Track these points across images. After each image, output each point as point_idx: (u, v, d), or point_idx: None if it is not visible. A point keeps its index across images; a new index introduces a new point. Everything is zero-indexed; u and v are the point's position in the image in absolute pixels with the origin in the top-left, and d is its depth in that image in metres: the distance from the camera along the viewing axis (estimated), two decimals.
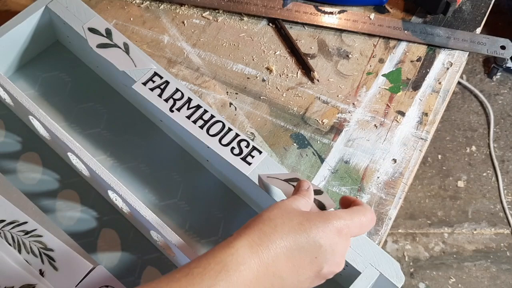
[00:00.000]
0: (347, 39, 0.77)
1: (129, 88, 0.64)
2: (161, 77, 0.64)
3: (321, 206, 0.52)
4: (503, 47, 0.77)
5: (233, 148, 0.60)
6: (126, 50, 0.65)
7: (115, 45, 0.66)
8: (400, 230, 1.52)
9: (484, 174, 1.61)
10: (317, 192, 0.52)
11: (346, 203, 0.53)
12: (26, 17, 0.67)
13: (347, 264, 0.55)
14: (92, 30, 0.66)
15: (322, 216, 0.47)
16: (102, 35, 0.66)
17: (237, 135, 0.61)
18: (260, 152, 0.60)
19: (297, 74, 0.74)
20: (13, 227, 0.59)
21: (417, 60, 0.75)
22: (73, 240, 0.60)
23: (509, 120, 1.69)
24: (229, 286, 0.41)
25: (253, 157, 0.59)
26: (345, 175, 0.67)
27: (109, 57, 0.65)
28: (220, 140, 0.60)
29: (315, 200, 0.51)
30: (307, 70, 0.74)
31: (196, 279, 0.41)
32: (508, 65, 1.71)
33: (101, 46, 0.66)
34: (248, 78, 0.73)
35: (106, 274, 0.57)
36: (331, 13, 0.78)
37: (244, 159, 0.59)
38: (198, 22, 0.77)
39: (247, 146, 0.60)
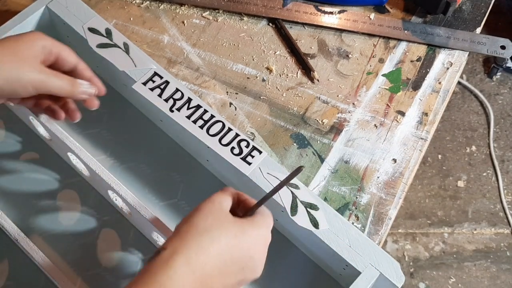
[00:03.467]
0: (347, 39, 0.77)
1: (129, 88, 0.64)
2: (161, 77, 0.64)
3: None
4: (503, 47, 0.77)
5: (233, 148, 0.60)
6: (126, 50, 0.65)
7: (115, 45, 0.66)
8: (400, 230, 1.52)
9: (484, 174, 1.61)
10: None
11: (244, 205, 0.51)
12: (26, 17, 0.67)
13: (346, 264, 0.55)
14: (92, 30, 0.66)
15: (253, 225, 0.47)
16: (102, 35, 0.66)
17: (237, 135, 0.61)
18: (260, 152, 0.60)
19: (297, 74, 0.74)
20: None
21: (417, 60, 0.75)
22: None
23: (509, 120, 1.69)
24: None
25: (253, 157, 0.59)
26: (345, 175, 0.67)
27: (109, 57, 0.65)
28: (220, 140, 0.60)
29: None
30: (307, 70, 0.74)
31: None
32: (508, 65, 1.71)
33: (101, 46, 0.66)
34: (248, 78, 0.73)
35: None
36: (331, 13, 0.78)
37: (244, 159, 0.59)
38: (198, 22, 0.77)
39: (247, 146, 0.60)
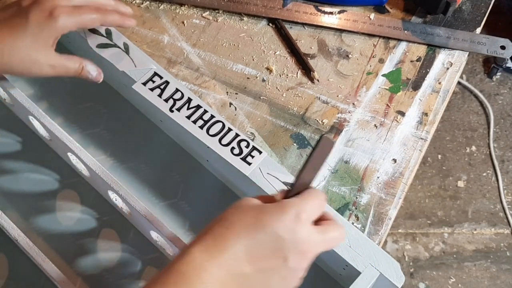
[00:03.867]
0: (347, 39, 0.77)
1: (129, 88, 0.64)
2: (161, 77, 0.64)
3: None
4: (503, 47, 0.77)
5: (233, 148, 0.60)
6: (126, 50, 0.66)
7: (115, 45, 0.66)
8: (400, 230, 1.52)
9: (484, 174, 1.61)
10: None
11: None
12: None
13: (346, 264, 0.55)
14: (92, 30, 0.66)
15: (276, 206, 0.45)
16: (102, 35, 0.66)
17: (237, 135, 0.61)
18: (260, 152, 0.60)
19: (297, 74, 0.74)
20: None
21: (417, 60, 0.75)
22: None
23: (509, 120, 1.69)
24: None
25: (253, 157, 0.59)
26: (345, 175, 0.67)
27: (109, 57, 0.65)
28: (220, 140, 0.60)
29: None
30: (307, 70, 0.74)
31: None
32: (508, 65, 1.72)
33: (101, 46, 0.66)
34: (248, 78, 0.73)
35: None
36: (331, 13, 0.78)
37: (244, 159, 0.59)
38: (198, 22, 0.77)
39: (247, 146, 0.60)
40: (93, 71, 0.61)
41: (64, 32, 0.58)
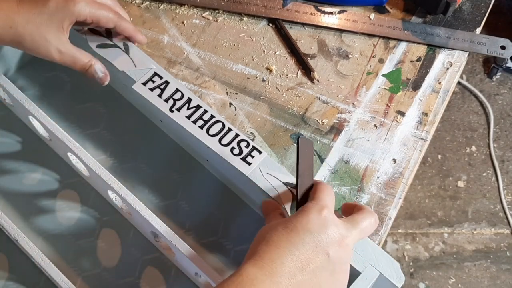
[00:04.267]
0: (347, 39, 0.77)
1: (129, 88, 0.64)
2: (161, 77, 0.64)
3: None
4: (503, 47, 0.77)
5: (233, 148, 0.60)
6: (126, 50, 0.66)
7: (115, 45, 0.66)
8: (400, 230, 1.52)
9: (484, 174, 1.61)
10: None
11: (348, 210, 0.54)
12: None
13: None
14: (92, 30, 0.66)
15: (298, 212, 0.48)
16: (102, 35, 0.66)
17: (237, 135, 0.61)
18: (260, 152, 0.60)
19: (297, 74, 0.74)
20: None
21: (417, 60, 0.75)
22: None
23: (509, 120, 1.69)
24: None
25: (253, 157, 0.59)
26: (345, 175, 0.67)
27: (109, 57, 0.65)
28: (220, 140, 0.60)
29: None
30: (307, 70, 0.74)
31: None
32: (508, 65, 1.72)
33: (101, 46, 0.66)
34: (248, 78, 0.73)
35: None
36: (331, 13, 0.78)
37: (244, 159, 0.59)
38: (198, 22, 0.77)
39: (247, 146, 0.60)
40: (100, 72, 0.62)
41: (80, 19, 0.58)
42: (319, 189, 0.51)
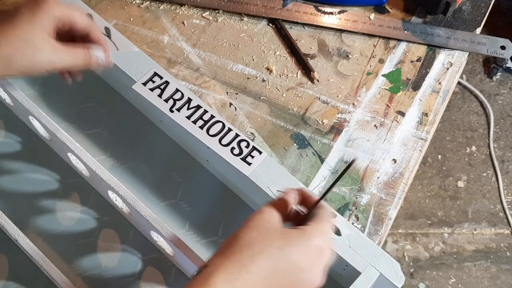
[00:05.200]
0: (347, 39, 0.77)
1: (129, 88, 0.64)
2: (161, 77, 0.64)
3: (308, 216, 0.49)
4: (503, 47, 0.77)
5: (233, 148, 0.60)
6: (108, 34, 0.66)
7: None
8: (400, 230, 1.52)
9: (484, 174, 1.61)
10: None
11: (305, 202, 0.50)
12: None
13: (346, 264, 0.55)
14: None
15: (302, 235, 0.45)
16: None
17: (237, 135, 0.61)
18: (260, 152, 0.60)
19: (297, 74, 0.74)
20: None
21: (417, 60, 0.75)
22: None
23: (509, 120, 1.69)
24: None
25: (253, 157, 0.59)
26: (345, 175, 0.67)
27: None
28: (220, 140, 0.60)
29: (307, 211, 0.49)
30: (307, 70, 0.74)
31: None
32: (508, 65, 1.71)
33: None
34: (248, 78, 0.73)
35: None
36: (331, 13, 0.78)
37: (244, 159, 0.59)
38: (198, 22, 0.77)
39: (247, 146, 0.60)
40: (101, 55, 0.57)
41: (57, 18, 0.54)
42: (325, 219, 0.47)
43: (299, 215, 0.49)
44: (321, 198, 0.48)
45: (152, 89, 0.63)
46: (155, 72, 0.64)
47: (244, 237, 0.44)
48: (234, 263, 0.42)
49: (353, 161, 0.46)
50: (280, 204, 0.47)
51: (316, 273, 0.45)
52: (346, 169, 0.46)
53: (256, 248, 0.43)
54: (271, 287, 0.43)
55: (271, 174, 0.59)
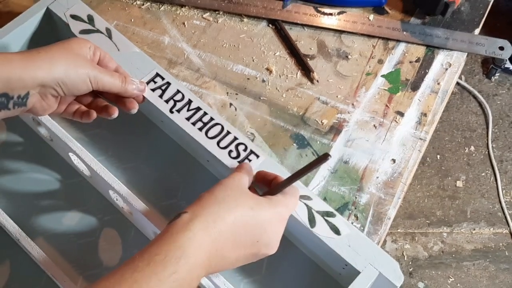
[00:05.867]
0: (346, 40, 0.77)
1: None
2: (162, 78, 0.64)
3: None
4: (501, 48, 0.77)
5: (230, 151, 0.60)
6: (109, 35, 0.66)
7: (98, 31, 0.66)
8: (399, 230, 1.53)
9: (483, 174, 1.61)
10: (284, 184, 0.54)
11: (266, 179, 0.55)
12: (27, 18, 0.67)
13: (346, 264, 0.55)
14: (74, 16, 0.66)
15: (270, 202, 0.50)
16: (84, 21, 0.66)
17: (235, 138, 0.61)
18: (258, 156, 0.60)
19: (296, 74, 0.74)
20: None
21: (416, 61, 0.76)
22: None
23: (508, 121, 1.70)
24: (189, 269, 0.43)
25: (250, 161, 0.59)
26: (345, 175, 0.67)
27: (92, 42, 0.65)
28: (218, 143, 0.60)
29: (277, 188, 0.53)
30: (306, 71, 0.74)
31: (159, 268, 0.42)
32: (506, 65, 1.72)
33: (84, 32, 0.66)
34: (248, 78, 0.74)
35: None
36: (331, 14, 0.78)
37: (240, 162, 0.59)
38: (199, 23, 0.78)
39: (244, 150, 0.60)
40: (137, 82, 0.59)
41: (91, 48, 0.57)
42: (295, 193, 0.53)
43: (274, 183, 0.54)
44: (289, 182, 0.52)
45: (153, 90, 0.63)
46: (157, 73, 0.64)
47: (220, 193, 0.48)
48: (212, 213, 0.46)
49: (326, 155, 0.50)
50: (245, 171, 0.54)
51: (276, 239, 0.50)
52: (317, 160, 0.50)
53: (231, 203, 0.47)
54: (237, 242, 0.47)
55: None
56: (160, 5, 0.79)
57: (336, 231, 0.56)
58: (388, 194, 0.66)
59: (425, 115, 0.72)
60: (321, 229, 0.56)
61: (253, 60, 0.75)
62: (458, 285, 1.45)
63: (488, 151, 1.64)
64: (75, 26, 0.66)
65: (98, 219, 0.64)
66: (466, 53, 0.77)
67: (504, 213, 1.55)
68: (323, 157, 0.50)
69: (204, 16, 0.78)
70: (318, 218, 0.56)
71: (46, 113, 0.56)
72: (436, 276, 1.46)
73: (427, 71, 0.75)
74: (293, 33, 0.77)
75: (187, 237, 0.44)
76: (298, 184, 0.59)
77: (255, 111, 0.71)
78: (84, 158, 0.60)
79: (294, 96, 0.72)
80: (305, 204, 0.57)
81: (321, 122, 0.71)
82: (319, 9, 0.78)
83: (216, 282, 0.55)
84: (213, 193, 0.48)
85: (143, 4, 0.79)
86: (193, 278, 0.44)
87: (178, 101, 0.63)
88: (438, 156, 1.63)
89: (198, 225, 0.45)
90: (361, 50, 0.76)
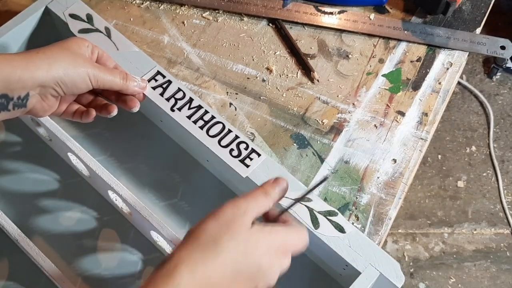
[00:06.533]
0: (347, 39, 0.77)
1: None
2: (163, 76, 0.64)
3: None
4: (503, 47, 0.77)
5: (232, 150, 0.60)
6: (108, 34, 0.66)
7: (97, 30, 0.66)
8: (400, 230, 1.52)
9: (484, 174, 1.61)
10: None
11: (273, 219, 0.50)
12: (26, 17, 0.67)
13: (346, 264, 0.55)
14: (72, 16, 0.66)
15: (266, 237, 0.45)
16: (83, 21, 0.66)
17: (236, 137, 0.60)
18: (259, 155, 0.60)
19: (297, 74, 0.74)
20: None
21: (417, 60, 0.76)
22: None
23: (509, 120, 1.69)
24: None
25: (251, 159, 0.59)
26: (345, 175, 0.67)
27: (91, 42, 0.64)
28: (219, 142, 0.60)
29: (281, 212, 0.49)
30: (307, 70, 0.74)
31: None
32: (508, 65, 1.71)
33: (83, 31, 0.66)
34: (248, 78, 0.73)
35: None
36: (331, 13, 0.78)
37: (242, 161, 0.59)
38: (198, 23, 0.77)
39: (246, 148, 0.60)
40: (138, 79, 0.59)
41: (89, 47, 0.57)
42: (296, 228, 0.48)
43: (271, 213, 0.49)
44: (289, 207, 0.50)
45: (154, 88, 0.63)
46: (158, 71, 0.64)
47: (212, 230, 0.44)
48: (199, 256, 0.42)
49: (325, 179, 0.48)
50: (259, 199, 0.46)
51: (273, 276, 0.45)
52: (317, 185, 0.49)
53: (223, 242, 0.43)
54: (233, 282, 0.43)
55: (271, 174, 0.59)
56: (160, 4, 0.78)
57: (341, 229, 0.55)
58: (389, 194, 0.66)
59: (426, 114, 0.71)
60: (326, 229, 0.55)
61: (253, 60, 0.75)
62: (459, 285, 1.45)
63: (490, 151, 1.63)
64: (74, 25, 0.66)
65: (97, 219, 0.64)
66: (468, 53, 0.76)
67: (505, 214, 1.55)
68: (322, 181, 0.48)
69: (203, 15, 0.78)
70: (321, 218, 0.56)
71: (46, 114, 0.56)
72: (437, 277, 1.46)
73: (428, 70, 0.75)
74: (294, 32, 0.77)
75: (172, 285, 0.41)
76: (298, 184, 0.59)
77: (255, 111, 0.71)
78: (83, 158, 0.59)
79: (295, 95, 0.72)
80: (306, 206, 0.56)
81: (322, 122, 0.70)
82: (320, 8, 0.78)
83: None
84: (204, 229, 0.44)
85: (142, 3, 0.78)
86: None
87: (179, 99, 0.62)
88: (439, 156, 1.63)
89: (183, 271, 0.41)
90: (362, 50, 0.76)
